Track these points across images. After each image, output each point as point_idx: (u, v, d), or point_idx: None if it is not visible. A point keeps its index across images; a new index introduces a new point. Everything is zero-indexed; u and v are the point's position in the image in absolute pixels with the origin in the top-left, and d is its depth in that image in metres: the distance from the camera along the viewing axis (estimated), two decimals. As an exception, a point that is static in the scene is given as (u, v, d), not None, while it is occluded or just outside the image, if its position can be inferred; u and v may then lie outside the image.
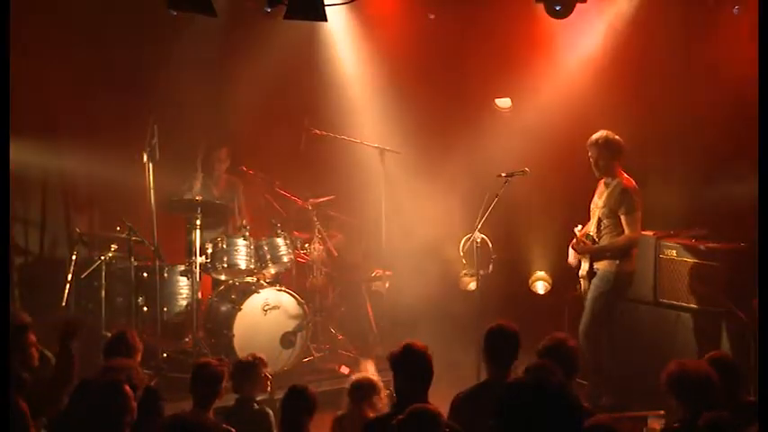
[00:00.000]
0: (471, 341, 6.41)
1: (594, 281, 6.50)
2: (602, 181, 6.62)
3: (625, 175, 6.54)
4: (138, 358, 4.99)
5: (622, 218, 6.42)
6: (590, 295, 6.50)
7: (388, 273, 7.92)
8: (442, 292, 8.66)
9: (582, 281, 6.60)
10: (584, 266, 6.56)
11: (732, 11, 7.23)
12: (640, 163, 7.69)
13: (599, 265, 6.51)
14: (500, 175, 6.58)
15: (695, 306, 6.61)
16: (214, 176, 8.10)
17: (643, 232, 7.00)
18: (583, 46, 8.09)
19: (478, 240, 6.60)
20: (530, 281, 8.78)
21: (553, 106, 8.02)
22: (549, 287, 8.65)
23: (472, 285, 6.72)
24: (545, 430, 2.62)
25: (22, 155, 6.52)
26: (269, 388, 5.26)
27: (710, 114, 7.26)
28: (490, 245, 6.86)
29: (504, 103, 8.87)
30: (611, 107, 7.89)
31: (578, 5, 6.99)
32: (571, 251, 6.69)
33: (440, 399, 4.58)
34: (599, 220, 6.51)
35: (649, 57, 7.77)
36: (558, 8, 7.45)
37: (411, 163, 8.53)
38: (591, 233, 6.54)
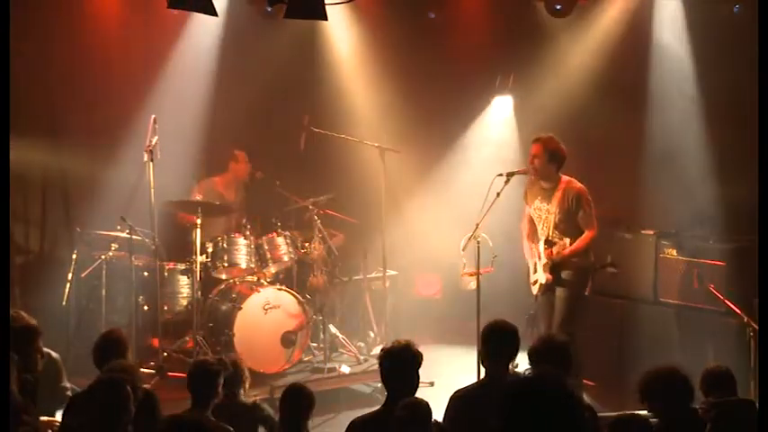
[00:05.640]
0: (471, 341, 6.40)
1: (563, 286, 6.42)
2: (538, 184, 6.54)
3: (566, 177, 6.46)
4: (129, 355, 4.96)
5: (581, 220, 6.40)
6: (563, 297, 6.41)
7: (388, 272, 7.90)
8: (442, 292, 8.65)
9: (539, 287, 6.51)
10: (547, 276, 6.44)
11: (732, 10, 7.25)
12: (641, 162, 7.72)
13: (563, 271, 6.43)
14: (501, 174, 6.56)
15: (695, 305, 6.60)
16: (228, 179, 8.12)
17: (643, 231, 7.00)
18: (584, 44, 8.09)
19: (479, 239, 6.59)
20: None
21: (554, 104, 8.01)
22: None
23: (472, 285, 6.67)
24: (549, 430, 2.60)
25: (22, 154, 6.51)
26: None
27: (712, 114, 7.26)
28: (491, 244, 6.85)
29: (504, 101, 8.86)
30: (611, 106, 7.91)
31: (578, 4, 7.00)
32: (542, 267, 6.52)
33: (440, 398, 4.59)
34: (555, 225, 6.44)
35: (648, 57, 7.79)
36: (558, 7, 7.46)
37: (411, 162, 8.52)
38: (552, 240, 6.46)
